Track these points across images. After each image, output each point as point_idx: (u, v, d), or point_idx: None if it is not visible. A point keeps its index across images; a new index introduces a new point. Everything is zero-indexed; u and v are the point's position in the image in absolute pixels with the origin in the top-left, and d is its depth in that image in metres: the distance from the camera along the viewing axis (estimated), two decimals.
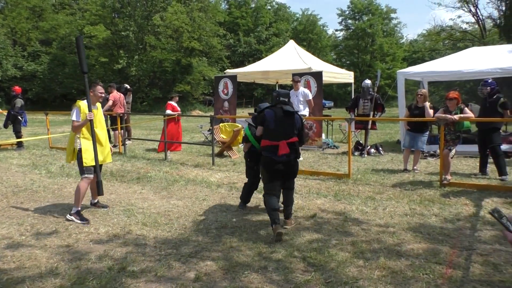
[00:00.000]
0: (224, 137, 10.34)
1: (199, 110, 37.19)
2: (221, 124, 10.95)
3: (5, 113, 11.43)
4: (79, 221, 4.84)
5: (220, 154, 9.74)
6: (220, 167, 8.40)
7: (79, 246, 4.07)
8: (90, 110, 5.00)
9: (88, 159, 4.94)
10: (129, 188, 6.60)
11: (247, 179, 5.44)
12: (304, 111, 9.26)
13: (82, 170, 4.97)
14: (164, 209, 5.39)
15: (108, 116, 11.85)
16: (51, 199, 5.93)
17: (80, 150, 4.93)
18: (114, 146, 11.33)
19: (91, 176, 5.03)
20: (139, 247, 4.02)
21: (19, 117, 11.06)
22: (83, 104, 4.99)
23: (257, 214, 5.13)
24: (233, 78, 12.63)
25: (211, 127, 10.68)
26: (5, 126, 11.25)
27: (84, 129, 4.97)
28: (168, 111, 10.60)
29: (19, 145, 11.06)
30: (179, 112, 10.98)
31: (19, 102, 11.05)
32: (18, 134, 11.11)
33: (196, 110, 36.89)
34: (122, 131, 11.10)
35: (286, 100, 4.63)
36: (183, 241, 4.21)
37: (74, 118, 4.93)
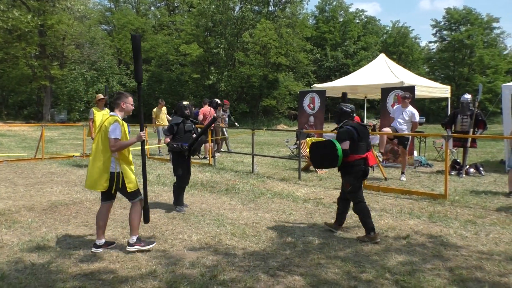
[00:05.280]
0: None
1: (284, 124, 37.56)
2: (307, 138, 10.94)
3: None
4: (145, 247, 4.26)
5: (306, 169, 9.71)
6: (306, 182, 8.38)
7: (174, 252, 4.32)
8: (142, 128, 4.34)
9: (132, 184, 4.27)
10: (218, 199, 6.86)
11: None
12: (407, 131, 8.46)
13: (131, 195, 4.34)
14: (252, 220, 5.50)
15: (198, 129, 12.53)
16: (149, 205, 6.37)
17: (120, 175, 4.20)
18: (204, 157, 11.91)
19: (141, 196, 4.47)
20: (229, 257, 4.15)
21: None
22: (119, 119, 4.26)
23: (346, 231, 5.01)
24: (321, 93, 12.58)
25: (297, 142, 10.72)
26: None
27: (124, 150, 4.22)
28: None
29: None
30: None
31: None
32: None
33: (281, 124, 37.31)
34: (213, 144, 11.62)
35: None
36: (271, 254, 4.25)
37: (116, 136, 4.06)
